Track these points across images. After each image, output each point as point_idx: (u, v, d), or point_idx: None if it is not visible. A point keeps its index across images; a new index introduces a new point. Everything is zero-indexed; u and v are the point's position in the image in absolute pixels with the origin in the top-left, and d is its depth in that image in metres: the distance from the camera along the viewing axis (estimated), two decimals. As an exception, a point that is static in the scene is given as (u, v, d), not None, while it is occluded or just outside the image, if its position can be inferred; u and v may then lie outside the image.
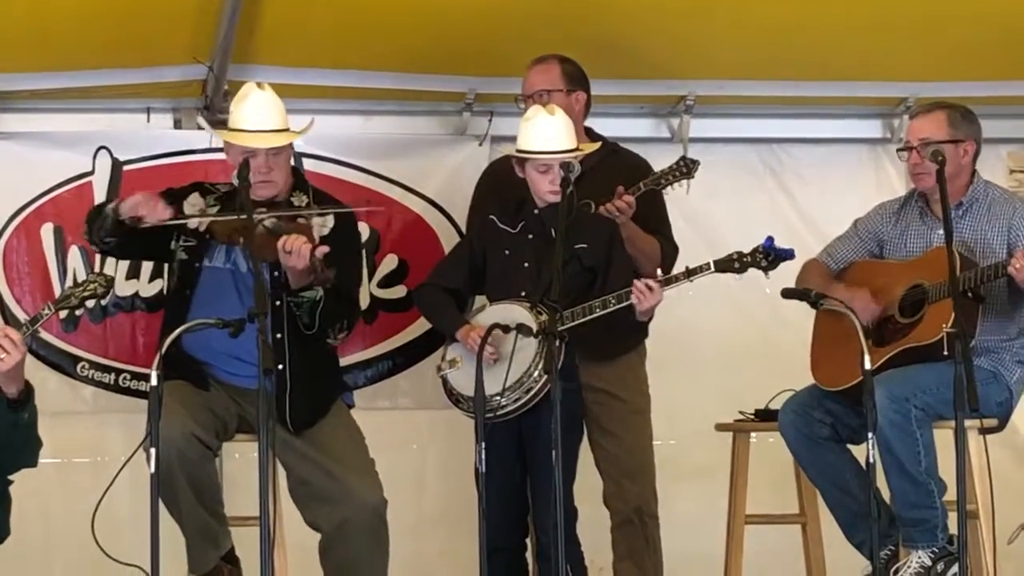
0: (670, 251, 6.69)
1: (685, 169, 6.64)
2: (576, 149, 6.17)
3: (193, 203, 6.14)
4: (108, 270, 7.08)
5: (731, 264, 6.01)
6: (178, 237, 6.16)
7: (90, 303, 5.89)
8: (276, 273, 6.06)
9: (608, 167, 6.67)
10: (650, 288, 5.93)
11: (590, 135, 6.76)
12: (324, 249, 5.89)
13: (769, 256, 5.97)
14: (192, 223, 6.06)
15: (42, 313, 5.84)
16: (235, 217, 5.90)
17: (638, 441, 6.81)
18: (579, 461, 6.36)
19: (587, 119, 6.79)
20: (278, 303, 6.07)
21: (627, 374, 6.81)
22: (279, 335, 6.06)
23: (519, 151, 6.19)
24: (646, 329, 6.66)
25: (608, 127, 6.97)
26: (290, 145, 6.18)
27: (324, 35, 7.11)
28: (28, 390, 5.76)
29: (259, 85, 6.17)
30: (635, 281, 5.96)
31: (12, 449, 5.86)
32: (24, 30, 6.86)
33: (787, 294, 6.12)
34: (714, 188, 6.83)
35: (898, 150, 6.46)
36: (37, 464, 5.94)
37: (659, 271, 6.07)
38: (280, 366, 6.00)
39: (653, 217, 6.68)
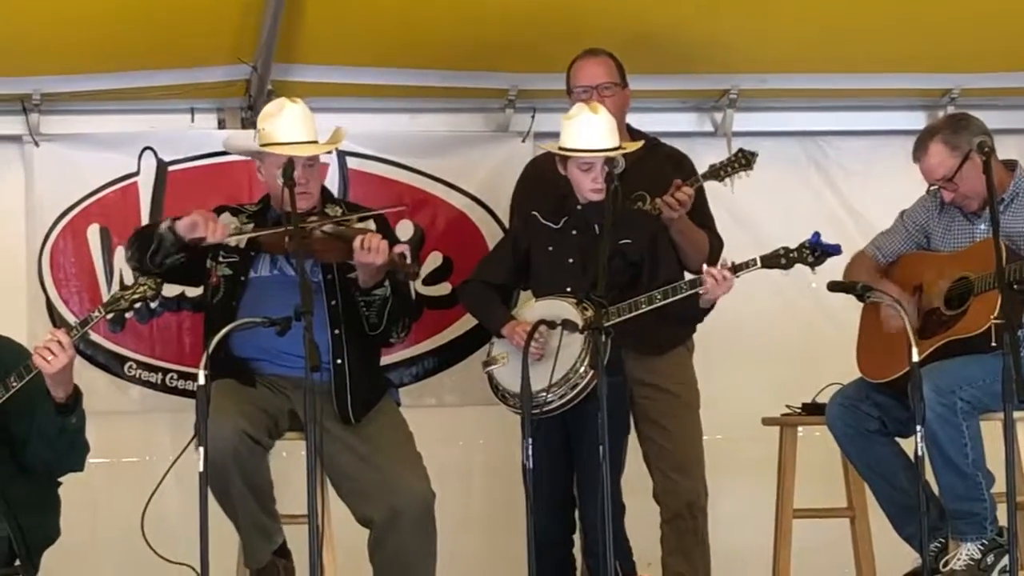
0: (717, 244, 6.70)
1: (744, 161, 6.60)
2: (619, 147, 6.18)
3: (227, 222, 6.21)
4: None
5: (777, 260, 6.03)
6: (215, 255, 6.22)
7: (138, 305, 5.91)
8: (330, 276, 6.16)
9: (649, 162, 6.68)
10: (725, 277, 5.96)
11: (630, 132, 6.79)
12: (403, 247, 6.09)
13: (816, 252, 5.99)
14: (232, 240, 6.13)
15: (92, 316, 5.90)
16: (306, 226, 5.97)
17: (688, 435, 6.81)
18: (627, 456, 6.40)
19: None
20: (333, 303, 6.15)
21: (676, 368, 6.81)
22: (336, 331, 6.13)
23: (562, 148, 6.21)
24: (695, 324, 6.67)
25: (651, 122, 7.00)
26: (318, 157, 6.27)
27: (367, 34, 7.12)
28: (76, 395, 5.83)
29: (290, 99, 6.25)
30: (708, 268, 5.98)
31: (58, 453, 5.92)
32: (67, 32, 6.89)
33: (833, 287, 6.11)
34: (758, 182, 6.78)
35: (928, 189, 6.44)
36: (83, 468, 6.00)
37: (731, 261, 6.08)
38: (339, 360, 6.10)
39: (698, 211, 6.67)
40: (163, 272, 6.12)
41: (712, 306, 6.12)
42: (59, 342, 5.71)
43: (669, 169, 6.66)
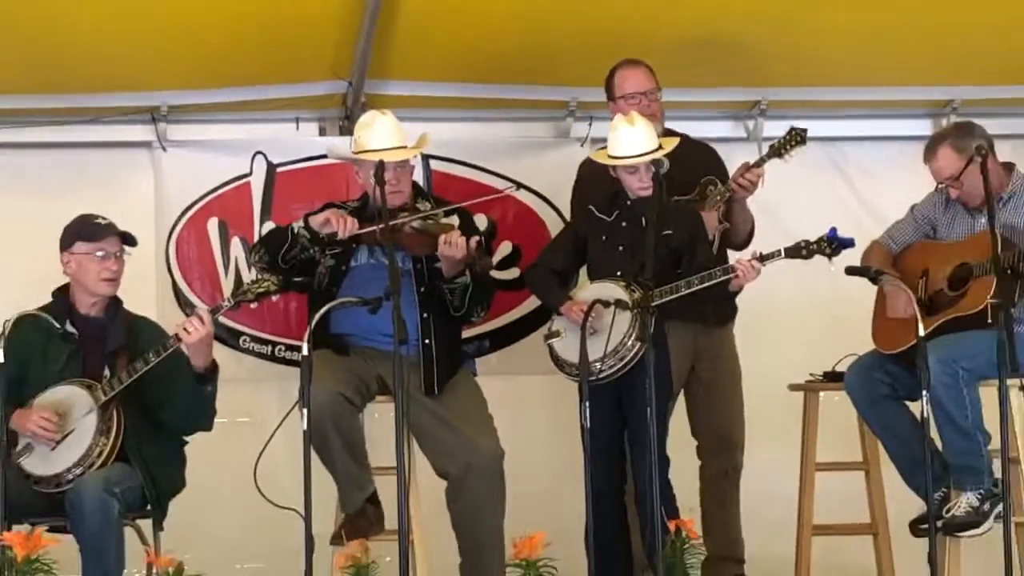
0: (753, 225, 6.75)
1: (799, 138, 6.61)
2: (657, 149, 6.14)
3: (338, 213, 6.24)
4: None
5: (799, 251, 6.02)
6: (323, 249, 6.25)
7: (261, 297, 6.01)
8: (419, 265, 6.19)
9: (687, 154, 6.61)
10: (754, 267, 5.97)
11: (666, 132, 6.72)
12: (477, 239, 6.12)
13: (832, 244, 5.98)
14: (345, 233, 6.15)
15: (222, 304, 6.03)
16: (397, 222, 6.01)
17: (733, 402, 6.85)
18: (672, 415, 6.45)
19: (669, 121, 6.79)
20: (422, 289, 6.18)
21: (726, 343, 6.85)
22: (425, 315, 6.16)
23: (610, 157, 6.19)
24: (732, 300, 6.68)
25: (692, 129, 6.94)
26: (407, 160, 6.29)
27: (447, 53, 7.14)
28: (214, 368, 5.93)
29: (381, 111, 6.31)
30: (741, 260, 6.00)
31: (193, 415, 6.01)
32: (189, 53, 6.97)
33: (850, 271, 6.10)
34: (784, 181, 6.79)
35: (937, 186, 6.42)
36: (212, 429, 6.09)
37: (759, 252, 6.08)
38: (427, 340, 6.14)
39: None
40: (290, 268, 6.18)
41: (740, 289, 6.12)
42: (200, 319, 5.80)
43: (701, 159, 6.70)
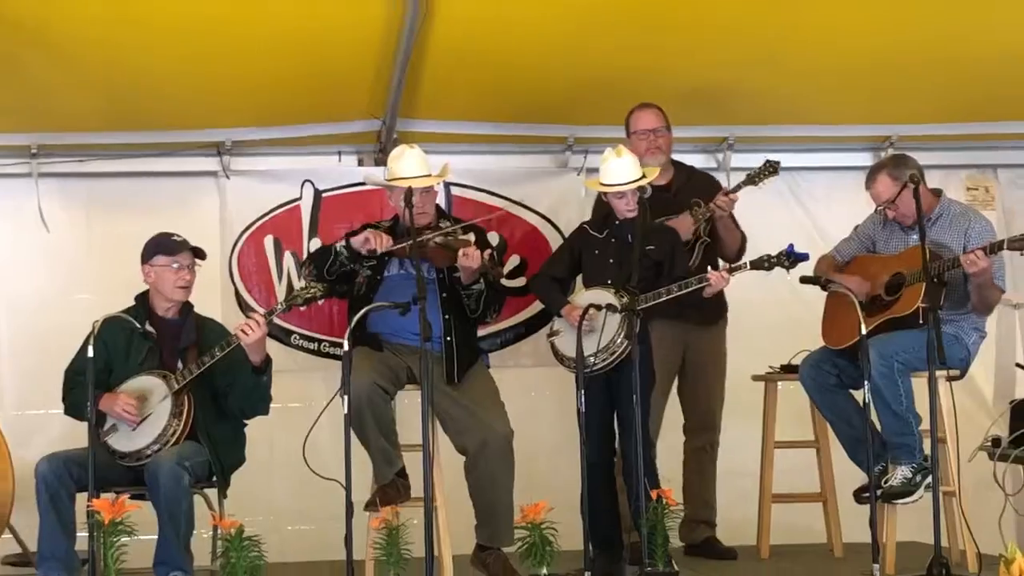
0: (743, 241, 6.74)
1: (773, 169, 6.61)
2: (640, 178, 6.14)
3: (375, 232, 6.23)
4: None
5: (762, 264, 6.02)
6: (360, 263, 6.24)
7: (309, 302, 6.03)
8: (442, 275, 6.18)
9: (689, 184, 6.71)
10: (723, 277, 5.97)
11: (673, 163, 6.80)
12: (489, 252, 6.12)
13: (790, 258, 5.98)
14: (382, 248, 6.14)
15: (276, 308, 6.05)
16: (423, 238, 6.00)
17: (715, 390, 6.85)
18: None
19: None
20: (444, 295, 6.16)
21: (713, 339, 6.84)
22: (447, 316, 6.14)
23: (602, 184, 6.19)
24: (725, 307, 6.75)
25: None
26: (432, 187, 6.28)
27: (466, 97, 7.15)
28: (268, 361, 5.93)
29: (409, 145, 6.30)
30: (712, 271, 6.00)
31: (252, 402, 6.02)
32: (249, 97, 7.00)
33: (804, 280, 6.14)
34: (750, 205, 6.79)
35: (876, 209, 6.41)
36: (269, 413, 6.10)
37: (728, 264, 6.12)
38: (448, 338, 6.11)
39: (734, 216, 6.71)
40: (333, 280, 6.18)
41: (713, 295, 6.10)
42: (256, 322, 5.81)
43: (702, 185, 6.71)
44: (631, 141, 6.66)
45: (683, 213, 6.59)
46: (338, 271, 6.19)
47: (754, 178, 6.64)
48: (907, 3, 6.50)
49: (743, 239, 6.73)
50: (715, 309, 6.71)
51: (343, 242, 6.22)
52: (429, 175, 6.21)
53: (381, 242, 6.11)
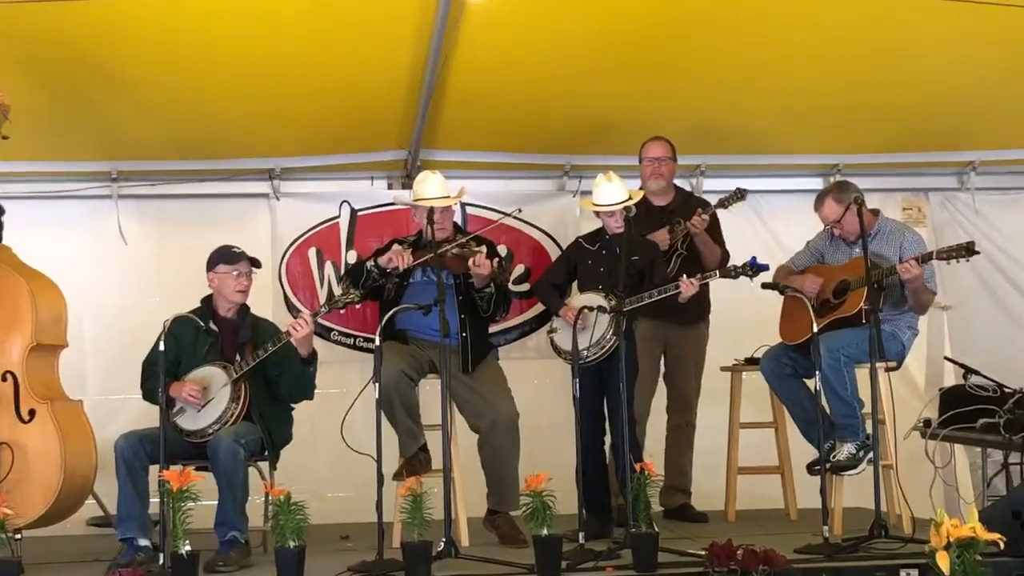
0: (724, 256, 6.69)
1: (740, 195, 6.59)
2: (627, 200, 6.11)
3: (398, 250, 6.21)
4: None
5: (729, 273, 6.00)
6: (389, 274, 6.19)
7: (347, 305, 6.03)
8: (459, 280, 6.15)
9: (685, 205, 6.68)
10: (692, 284, 5.95)
11: (676, 188, 6.80)
12: (498, 260, 6.10)
13: (753, 268, 5.95)
14: (404, 266, 6.11)
15: (320, 310, 6.03)
16: (442, 250, 5.98)
17: (692, 378, 6.83)
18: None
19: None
20: (460, 298, 6.14)
21: (693, 336, 6.81)
22: (463, 316, 6.13)
23: (595, 204, 6.18)
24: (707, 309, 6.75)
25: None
26: (450, 206, 6.25)
27: (480, 130, 7.15)
28: (314, 354, 5.92)
29: (432, 171, 6.27)
30: (683, 278, 5.95)
31: (299, 388, 6.00)
32: (295, 130, 7.00)
33: (765, 286, 6.10)
34: (721, 223, 6.79)
35: (824, 227, 6.39)
36: (313, 399, 6.08)
37: (699, 274, 6.07)
38: (464, 334, 6.09)
39: (715, 232, 6.69)
40: (367, 291, 6.16)
41: (687, 300, 6.05)
42: (305, 320, 5.80)
43: (694, 207, 6.64)
44: (640, 165, 6.70)
45: (662, 228, 6.59)
46: (371, 286, 6.18)
47: (725, 203, 6.63)
48: (851, 54, 6.51)
49: (724, 255, 6.68)
50: (695, 311, 6.69)
51: (372, 262, 6.18)
52: (448, 196, 6.19)
53: (403, 260, 6.09)
